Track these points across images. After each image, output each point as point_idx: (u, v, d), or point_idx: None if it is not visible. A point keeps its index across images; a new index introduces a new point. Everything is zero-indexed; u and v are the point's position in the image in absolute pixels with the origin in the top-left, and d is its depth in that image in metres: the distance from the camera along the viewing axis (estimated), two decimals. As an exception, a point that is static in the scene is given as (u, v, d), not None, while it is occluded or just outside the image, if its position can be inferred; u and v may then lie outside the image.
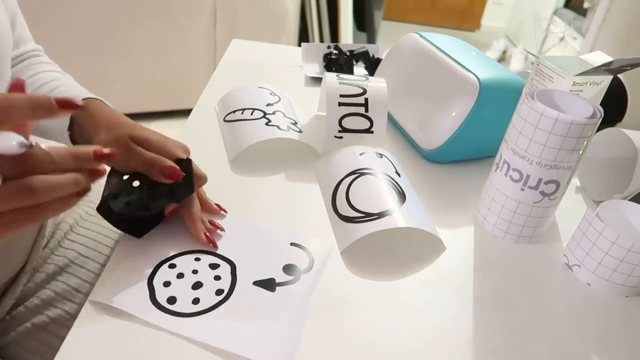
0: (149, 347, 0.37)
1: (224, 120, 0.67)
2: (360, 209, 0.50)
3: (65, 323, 0.53)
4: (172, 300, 0.40)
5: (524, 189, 0.51)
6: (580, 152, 0.48)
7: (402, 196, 0.51)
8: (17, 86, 0.32)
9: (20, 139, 0.30)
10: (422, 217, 0.51)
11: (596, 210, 0.49)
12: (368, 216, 0.49)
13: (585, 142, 0.48)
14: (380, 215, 0.49)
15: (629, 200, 0.58)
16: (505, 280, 0.50)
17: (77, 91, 0.55)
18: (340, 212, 0.51)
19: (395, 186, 0.52)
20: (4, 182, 0.29)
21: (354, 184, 0.53)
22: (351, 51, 0.89)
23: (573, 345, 0.44)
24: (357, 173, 0.54)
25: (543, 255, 0.54)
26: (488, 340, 0.43)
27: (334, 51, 0.89)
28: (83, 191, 0.33)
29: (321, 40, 2.56)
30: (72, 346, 0.37)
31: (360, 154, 0.58)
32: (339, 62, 0.88)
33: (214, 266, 0.44)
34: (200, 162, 0.60)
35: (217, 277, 0.43)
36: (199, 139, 0.65)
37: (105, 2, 1.75)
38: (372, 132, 0.63)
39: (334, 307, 0.43)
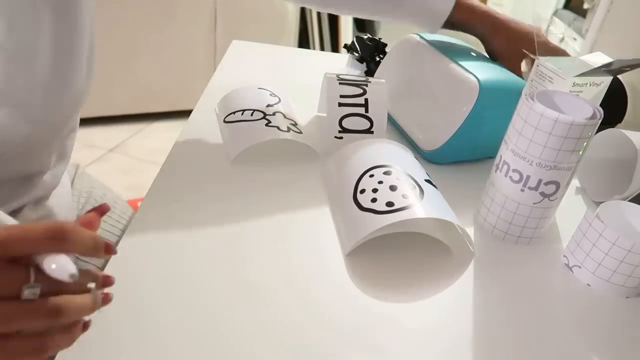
0: (149, 348, 0.38)
1: (224, 121, 0.67)
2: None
3: None
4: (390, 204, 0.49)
5: (524, 189, 0.51)
6: (580, 153, 0.49)
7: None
8: (89, 224, 0.32)
9: (73, 270, 0.29)
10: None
11: (596, 211, 0.49)
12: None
13: (585, 143, 0.48)
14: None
15: (629, 201, 0.58)
16: (505, 281, 0.50)
17: None
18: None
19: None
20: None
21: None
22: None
23: (573, 346, 0.43)
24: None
25: (543, 256, 0.54)
26: (487, 340, 0.43)
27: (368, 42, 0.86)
28: (86, 325, 0.33)
29: (321, 42, 2.56)
30: (71, 347, 0.37)
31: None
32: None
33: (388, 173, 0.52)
34: (200, 163, 0.61)
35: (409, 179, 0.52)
36: (199, 140, 0.65)
37: (107, 4, 1.76)
38: (372, 132, 0.63)
39: (334, 304, 0.43)
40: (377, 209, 0.49)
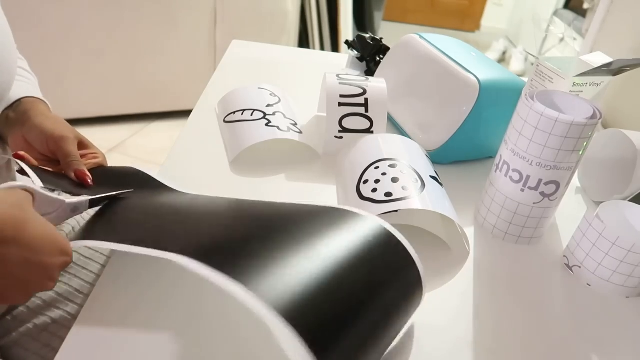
0: (149, 347, 0.38)
1: (224, 121, 0.67)
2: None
3: (67, 324, 0.53)
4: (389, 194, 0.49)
5: (524, 189, 0.51)
6: (580, 152, 0.49)
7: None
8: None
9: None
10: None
11: (596, 211, 0.49)
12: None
13: (585, 143, 0.48)
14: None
15: (629, 201, 0.58)
16: (505, 281, 0.50)
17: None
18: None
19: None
20: None
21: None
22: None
23: (573, 346, 0.43)
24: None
25: (543, 256, 0.54)
26: (487, 340, 0.43)
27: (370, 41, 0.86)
28: None
29: (321, 41, 2.56)
30: (71, 346, 0.37)
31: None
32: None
33: (393, 165, 0.53)
34: (200, 163, 0.61)
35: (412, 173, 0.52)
36: (199, 139, 0.65)
37: (106, 3, 1.76)
38: (372, 132, 0.63)
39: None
40: (376, 199, 0.49)
